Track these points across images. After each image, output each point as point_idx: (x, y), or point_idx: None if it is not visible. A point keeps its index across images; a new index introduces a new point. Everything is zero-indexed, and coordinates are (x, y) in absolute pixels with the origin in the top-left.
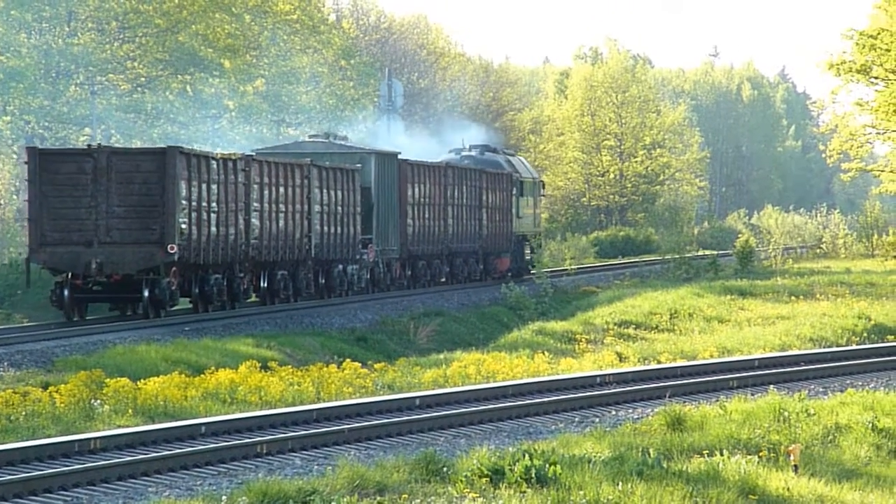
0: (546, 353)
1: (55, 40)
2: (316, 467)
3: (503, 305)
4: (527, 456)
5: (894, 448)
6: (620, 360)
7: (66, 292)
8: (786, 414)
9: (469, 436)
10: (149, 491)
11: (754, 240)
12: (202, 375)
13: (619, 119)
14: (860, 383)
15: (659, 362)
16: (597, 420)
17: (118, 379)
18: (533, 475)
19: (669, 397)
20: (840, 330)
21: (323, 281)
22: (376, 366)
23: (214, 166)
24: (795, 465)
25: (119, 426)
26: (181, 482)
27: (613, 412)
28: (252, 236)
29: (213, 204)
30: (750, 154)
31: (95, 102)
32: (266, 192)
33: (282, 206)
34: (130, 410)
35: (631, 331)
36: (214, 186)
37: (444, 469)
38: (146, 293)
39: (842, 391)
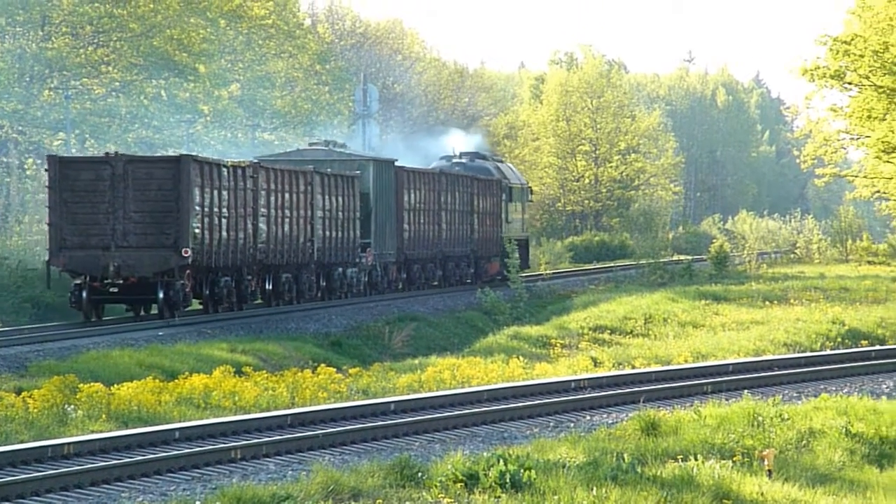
0: (521, 358)
1: (29, 44)
2: (290, 472)
3: (478, 310)
4: (501, 461)
5: (868, 453)
6: (595, 365)
7: (84, 294)
8: (760, 419)
9: (444, 441)
10: (122, 496)
11: (729, 245)
12: (176, 380)
13: (594, 124)
14: (834, 388)
15: (633, 367)
16: (571, 425)
17: (92, 384)
18: (507, 480)
19: (644, 402)
20: (814, 335)
21: (324, 283)
22: (351, 371)
23: (225, 173)
24: (769, 470)
25: (93, 431)
26: (155, 487)
27: (588, 417)
28: (259, 240)
29: (224, 209)
30: (724, 159)
31: (70, 107)
32: (272, 198)
33: (287, 212)
34: (104, 416)
35: (606, 336)
36: (225, 193)
37: (419, 474)
38: (161, 295)
39: (816, 396)
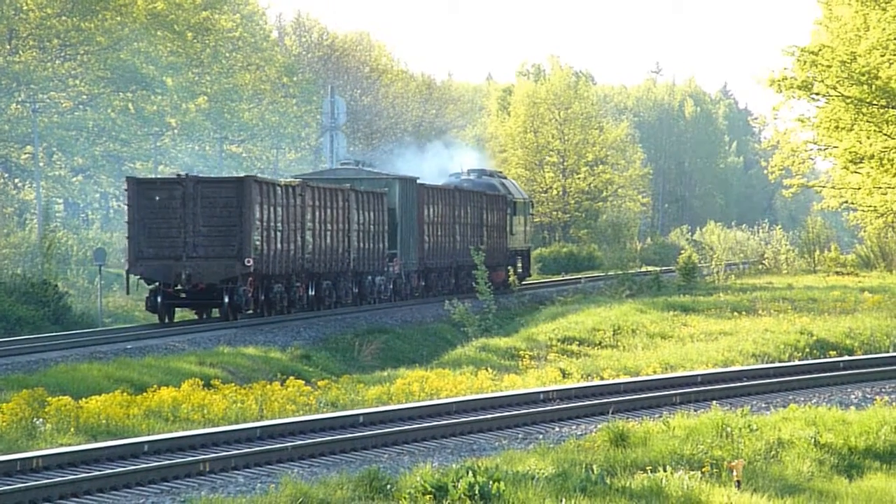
0: (489, 370)
1: None
2: (259, 485)
3: (447, 322)
4: (470, 473)
5: (837, 463)
6: (564, 377)
7: (159, 299)
8: (728, 429)
9: (412, 453)
10: None
11: (697, 256)
12: (144, 394)
13: (561, 135)
14: (802, 399)
15: (602, 378)
16: (540, 436)
17: (60, 397)
18: (476, 492)
19: (613, 413)
20: (782, 345)
21: (356, 290)
22: (320, 383)
23: (279, 192)
24: (738, 481)
25: (61, 445)
26: (124, 501)
27: (557, 428)
28: (306, 251)
29: (279, 223)
30: (692, 170)
31: (37, 120)
32: (317, 213)
33: (328, 225)
34: (73, 429)
35: (574, 347)
36: (279, 209)
37: (388, 486)
38: (226, 299)
39: (784, 406)
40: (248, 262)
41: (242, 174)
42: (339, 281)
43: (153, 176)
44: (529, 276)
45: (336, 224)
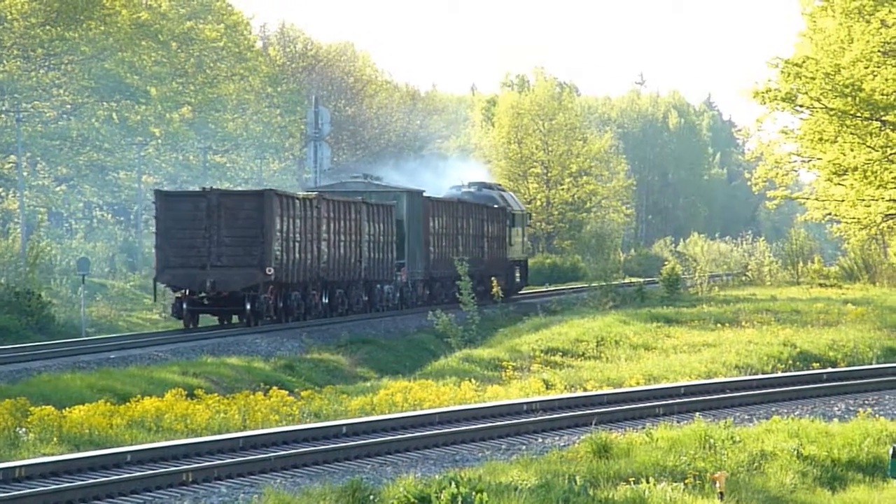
0: (473, 381)
1: None
2: (242, 495)
3: (430, 333)
4: (453, 483)
5: (820, 475)
6: (547, 388)
7: (184, 305)
8: (711, 441)
9: (396, 463)
10: None
11: (680, 267)
12: (128, 403)
13: (545, 147)
14: (785, 410)
15: (585, 390)
16: (523, 447)
17: (43, 407)
18: (459, 503)
19: (596, 425)
20: (765, 357)
21: (366, 298)
22: (303, 393)
23: (298, 204)
24: (721, 493)
25: (44, 454)
26: None
27: (540, 440)
28: (321, 260)
29: (297, 234)
30: (676, 182)
31: (21, 129)
32: (331, 225)
33: (342, 236)
34: (56, 438)
35: (557, 358)
36: (298, 221)
37: (371, 497)
38: (248, 306)
39: (767, 418)
40: (269, 270)
41: (262, 188)
42: (350, 289)
43: (177, 189)
44: (526, 285)
45: (349, 235)
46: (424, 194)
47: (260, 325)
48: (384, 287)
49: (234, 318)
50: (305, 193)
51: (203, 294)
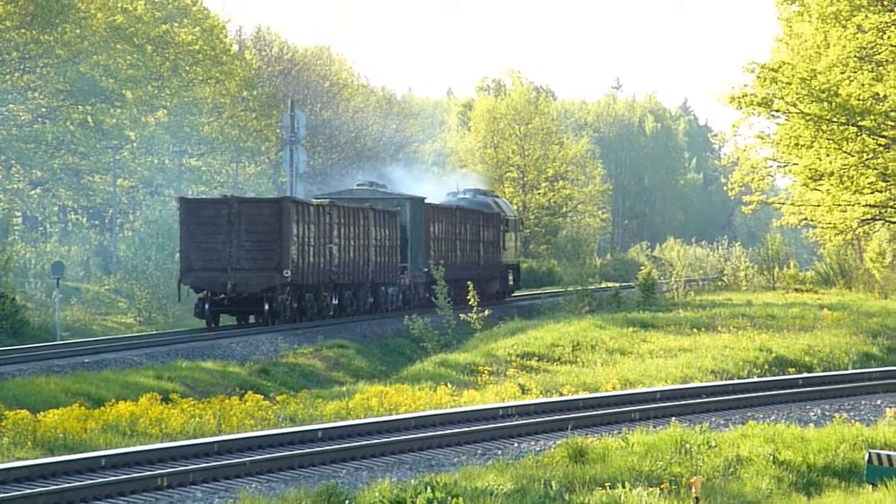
0: (449, 385)
1: None
2: (217, 500)
3: (406, 337)
4: (429, 488)
5: (795, 480)
6: (523, 392)
7: (206, 306)
8: (687, 446)
9: (371, 468)
10: None
11: (656, 272)
12: (102, 408)
13: (521, 151)
14: (761, 415)
15: (561, 394)
16: (499, 452)
17: (17, 411)
18: None
19: (572, 429)
20: (741, 362)
21: (371, 299)
22: (278, 397)
23: (312, 210)
24: (697, 498)
25: (18, 459)
26: None
27: (516, 444)
28: (333, 264)
29: (311, 239)
30: (652, 186)
31: None
32: (342, 230)
33: (351, 241)
34: (30, 443)
35: (533, 363)
36: (312, 226)
37: (346, 501)
38: (266, 307)
39: (743, 423)
40: (287, 273)
41: (278, 195)
42: (358, 291)
43: (199, 196)
44: (519, 288)
45: (357, 240)
46: (426, 201)
47: (277, 324)
48: (388, 289)
49: (251, 318)
50: (319, 200)
51: (224, 295)
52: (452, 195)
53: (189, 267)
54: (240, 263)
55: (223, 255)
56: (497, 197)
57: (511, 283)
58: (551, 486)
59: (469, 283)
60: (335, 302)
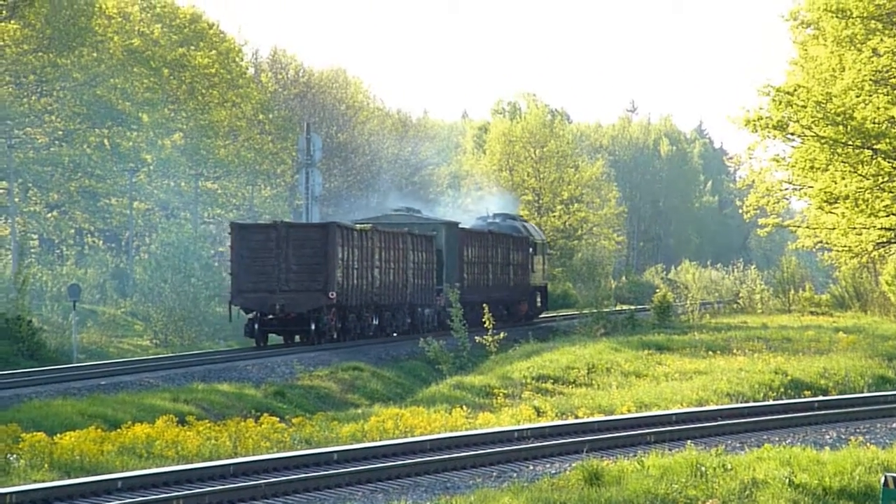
0: (464, 408)
1: None
2: None
3: (421, 360)
4: None
5: (811, 503)
6: (538, 415)
7: (256, 326)
8: (703, 469)
9: (387, 490)
10: None
11: (672, 295)
12: (118, 430)
13: (537, 174)
14: (777, 438)
15: (576, 417)
16: (514, 475)
17: (34, 433)
18: None
19: (587, 452)
20: (757, 385)
21: (409, 320)
22: (294, 420)
23: (355, 235)
24: None
25: (35, 481)
26: None
27: (531, 467)
28: (374, 286)
29: (355, 262)
30: (667, 209)
31: (13, 156)
32: (382, 254)
33: (391, 264)
34: (46, 465)
35: (549, 385)
36: (356, 250)
37: None
38: (313, 327)
39: (759, 446)
40: (332, 294)
41: (326, 220)
42: (397, 312)
43: (249, 222)
44: (547, 309)
45: (397, 263)
46: (459, 226)
47: (323, 343)
48: (425, 310)
49: (297, 338)
50: (362, 225)
51: (272, 315)
52: (482, 219)
53: (240, 289)
54: (288, 285)
55: (272, 278)
56: (525, 221)
57: (539, 304)
58: None
59: (485, 305)
60: (375, 322)
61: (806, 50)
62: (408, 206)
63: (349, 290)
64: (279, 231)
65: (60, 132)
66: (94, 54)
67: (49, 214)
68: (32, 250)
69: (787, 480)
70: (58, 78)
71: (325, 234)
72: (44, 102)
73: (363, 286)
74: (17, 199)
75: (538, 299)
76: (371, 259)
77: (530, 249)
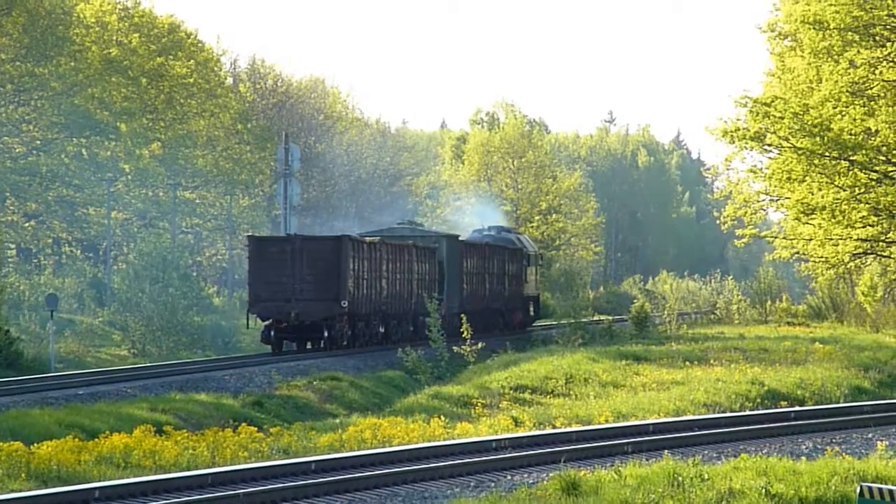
0: (442, 418)
1: None
2: None
3: (400, 369)
4: None
5: None
6: (516, 425)
7: (272, 333)
8: (680, 479)
9: (364, 500)
10: None
11: (649, 305)
12: (96, 440)
13: (515, 184)
14: (753, 448)
15: (554, 427)
16: (492, 485)
17: (11, 443)
18: None
19: (564, 462)
20: (734, 395)
21: (412, 328)
22: (272, 430)
23: (365, 247)
24: None
25: (12, 490)
26: None
27: (509, 477)
28: (382, 295)
29: (365, 273)
30: (645, 220)
31: None
32: (389, 265)
33: (397, 275)
34: (23, 474)
35: (527, 395)
36: (366, 261)
37: None
38: (326, 333)
39: (735, 456)
40: (344, 303)
41: (339, 234)
42: (402, 321)
43: (267, 235)
44: (539, 318)
45: (402, 274)
46: (459, 238)
47: (334, 349)
48: (427, 319)
49: (308, 345)
50: (371, 238)
51: (287, 323)
52: (478, 232)
53: (257, 298)
54: (302, 294)
55: (287, 287)
56: (519, 234)
57: (532, 313)
58: None
59: (462, 316)
60: (381, 330)
61: (783, 61)
62: (409, 219)
63: (359, 299)
64: (294, 244)
65: (38, 141)
66: (72, 63)
67: (27, 224)
68: (10, 260)
69: (764, 490)
70: (35, 87)
71: (337, 246)
72: (21, 112)
73: (372, 295)
74: None
75: (531, 308)
76: (379, 270)
77: (524, 261)
